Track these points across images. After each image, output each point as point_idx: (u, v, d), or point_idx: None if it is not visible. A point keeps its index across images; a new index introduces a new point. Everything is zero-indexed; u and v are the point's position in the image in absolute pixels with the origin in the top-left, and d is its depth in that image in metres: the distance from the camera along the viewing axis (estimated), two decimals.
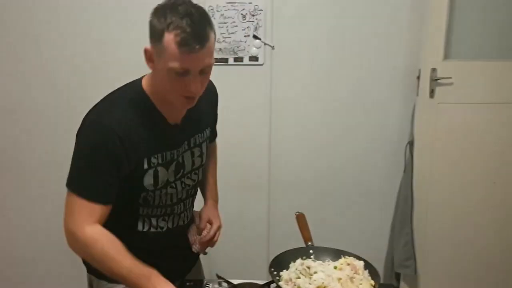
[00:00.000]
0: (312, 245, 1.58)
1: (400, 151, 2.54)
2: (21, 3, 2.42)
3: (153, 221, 1.43)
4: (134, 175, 1.30)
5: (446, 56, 2.40)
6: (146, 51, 1.24)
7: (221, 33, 2.43)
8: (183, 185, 1.45)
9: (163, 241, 1.47)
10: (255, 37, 2.44)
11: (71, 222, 1.26)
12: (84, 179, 1.27)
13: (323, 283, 1.34)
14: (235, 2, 2.40)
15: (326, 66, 2.50)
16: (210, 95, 1.52)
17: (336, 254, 1.53)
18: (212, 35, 1.20)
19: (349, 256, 1.50)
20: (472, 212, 2.54)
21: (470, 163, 2.49)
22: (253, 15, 2.42)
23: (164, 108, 1.34)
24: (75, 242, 1.26)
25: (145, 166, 1.31)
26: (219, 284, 1.54)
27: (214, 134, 1.71)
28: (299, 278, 1.38)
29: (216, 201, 1.69)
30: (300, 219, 1.70)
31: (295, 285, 1.36)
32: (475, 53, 2.47)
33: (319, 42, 2.48)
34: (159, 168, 1.34)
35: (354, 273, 1.40)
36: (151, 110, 1.33)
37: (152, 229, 1.43)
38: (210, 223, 1.59)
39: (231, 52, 2.45)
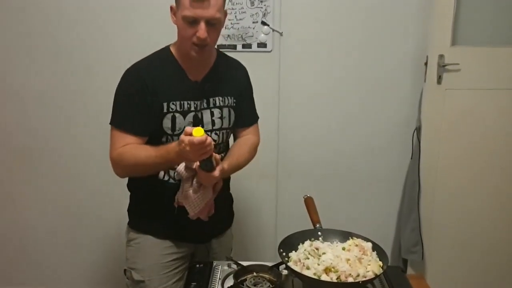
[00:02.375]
0: (321, 227, 1.60)
1: (408, 137, 2.55)
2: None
3: (171, 171, 1.60)
4: (156, 115, 1.54)
5: (454, 42, 2.40)
6: (171, 8, 1.55)
7: (229, 20, 2.44)
8: None
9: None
10: (263, 23, 2.45)
11: (111, 151, 1.56)
12: (118, 114, 1.57)
13: (331, 263, 1.36)
14: None
15: (334, 52, 2.51)
16: (237, 72, 1.74)
17: (344, 235, 1.56)
18: None
19: (357, 237, 1.53)
20: (479, 198, 2.56)
21: (477, 149, 2.51)
22: (261, 1, 2.42)
23: (185, 64, 1.59)
24: (115, 166, 1.56)
25: (164, 109, 1.55)
26: (228, 266, 1.57)
27: (249, 119, 1.79)
28: (307, 258, 1.41)
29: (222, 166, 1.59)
30: (309, 202, 1.73)
31: (304, 265, 1.38)
32: (483, 39, 2.47)
33: (328, 28, 2.48)
34: (176, 114, 1.56)
35: (362, 254, 1.42)
36: (174, 64, 1.59)
37: (171, 180, 1.61)
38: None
39: (240, 39, 2.46)
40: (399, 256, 2.66)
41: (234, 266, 1.56)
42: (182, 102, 1.57)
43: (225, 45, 2.46)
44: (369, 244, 1.48)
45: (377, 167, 2.64)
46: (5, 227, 2.70)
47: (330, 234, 1.58)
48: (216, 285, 1.46)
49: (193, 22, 1.46)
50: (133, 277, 1.67)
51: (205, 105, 1.62)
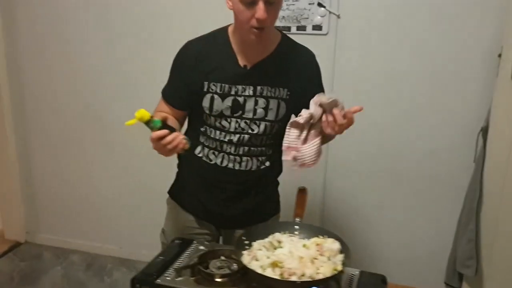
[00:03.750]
0: (300, 221, 1.53)
1: (473, 138, 2.26)
2: None
3: (206, 150, 1.64)
4: (196, 92, 1.56)
5: None
6: None
7: (285, 1, 2.38)
8: (237, 126, 1.57)
9: (211, 174, 1.65)
10: (319, 5, 2.35)
11: None
12: (167, 82, 1.67)
13: (279, 258, 1.31)
14: None
15: (396, 39, 2.31)
16: (301, 61, 1.62)
17: (320, 232, 1.47)
18: None
19: (329, 236, 1.43)
20: None
21: None
22: None
23: (238, 48, 1.55)
24: None
25: (205, 89, 1.55)
26: (206, 246, 1.59)
27: None
28: (260, 250, 1.36)
29: None
30: (301, 193, 1.65)
31: (254, 256, 1.35)
32: None
33: (391, 13, 2.28)
34: (215, 96, 1.55)
35: (319, 254, 1.34)
36: (226, 46, 1.56)
37: (204, 158, 1.65)
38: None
39: (294, 20, 2.40)
40: (455, 270, 2.40)
41: (203, 247, 1.57)
42: (223, 85, 1.55)
43: (279, 26, 2.41)
44: (335, 246, 1.38)
45: (436, 169, 2.39)
46: (79, 186, 3.05)
47: (307, 230, 1.50)
48: (182, 264, 1.48)
49: (251, 3, 1.40)
50: (160, 238, 1.81)
51: (250, 92, 1.55)
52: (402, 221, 2.51)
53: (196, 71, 1.56)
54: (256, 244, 1.40)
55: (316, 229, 1.50)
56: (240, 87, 1.55)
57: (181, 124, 1.69)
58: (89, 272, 2.94)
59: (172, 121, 1.53)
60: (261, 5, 1.38)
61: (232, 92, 1.55)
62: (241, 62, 1.56)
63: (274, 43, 1.60)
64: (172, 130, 1.40)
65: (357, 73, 2.40)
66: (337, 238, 1.42)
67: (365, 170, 2.50)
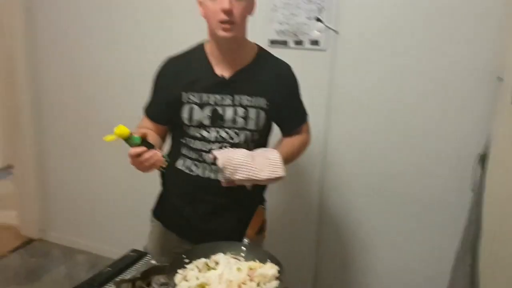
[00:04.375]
0: (248, 243, 1.48)
1: (470, 163, 2.12)
2: None
3: (188, 162, 1.63)
4: (175, 104, 1.58)
5: None
6: (198, 1, 1.54)
7: (283, 14, 2.35)
8: (217, 136, 1.57)
9: (193, 186, 1.64)
10: (317, 19, 2.29)
11: None
12: (148, 100, 1.70)
13: (206, 281, 1.27)
14: None
15: (396, 58, 2.21)
16: (276, 74, 1.64)
17: (264, 256, 1.41)
18: None
19: (271, 261, 1.38)
20: None
21: None
22: None
23: (215, 59, 1.58)
24: None
25: (183, 99, 1.57)
26: (158, 261, 1.57)
27: (297, 121, 1.73)
28: (192, 270, 1.33)
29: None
30: (258, 214, 1.60)
31: (185, 276, 1.32)
32: None
33: (389, 31, 2.20)
34: (194, 106, 1.57)
35: (250, 280, 1.29)
36: (202, 58, 1.60)
37: (186, 170, 1.63)
38: None
39: (292, 35, 2.36)
40: None
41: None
42: (201, 94, 1.57)
43: (277, 40, 2.38)
44: (271, 272, 1.32)
45: (433, 193, 2.27)
46: (90, 188, 3.13)
47: (253, 252, 1.45)
48: (125, 276, 1.48)
49: None
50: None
51: (229, 101, 1.57)
52: (400, 245, 2.40)
53: (175, 84, 1.58)
54: (191, 264, 1.37)
55: (262, 252, 1.44)
56: (218, 97, 1.56)
57: (163, 139, 1.69)
58: (90, 273, 2.99)
59: (152, 137, 1.52)
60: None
61: (211, 102, 1.56)
62: (218, 72, 1.58)
63: (250, 54, 1.62)
64: (151, 147, 1.40)
65: (354, 90, 2.33)
66: (277, 264, 1.36)
67: (361, 191, 2.42)
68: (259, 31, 2.39)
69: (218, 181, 1.54)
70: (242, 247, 1.47)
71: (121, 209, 3.04)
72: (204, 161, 1.60)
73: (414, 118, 2.23)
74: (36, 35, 3.02)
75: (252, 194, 1.62)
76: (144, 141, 1.39)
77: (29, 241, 3.35)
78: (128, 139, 1.35)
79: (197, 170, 1.62)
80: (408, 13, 2.15)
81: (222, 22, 1.46)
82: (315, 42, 2.32)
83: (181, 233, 1.71)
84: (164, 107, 1.62)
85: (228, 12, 1.44)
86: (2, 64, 3.21)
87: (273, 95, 1.60)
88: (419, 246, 2.36)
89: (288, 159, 1.61)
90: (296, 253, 2.61)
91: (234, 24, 1.47)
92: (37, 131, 3.20)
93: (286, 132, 1.72)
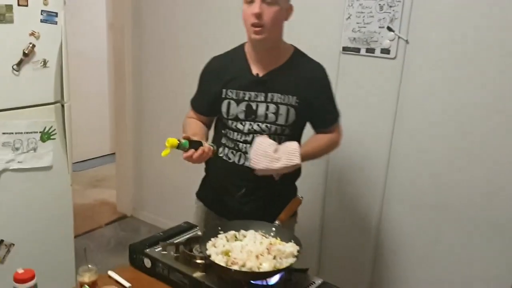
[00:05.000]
0: (279, 224, 1.63)
1: None
2: None
3: (226, 150, 1.80)
4: (217, 98, 1.76)
5: None
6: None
7: (357, 23, 2.45)
8: (250, 128, 1.73)
9: (230, 172, 1.81)
10: (389, 28, 2.36)
11: None
12: (194, 94, 1.91)
13: (229, 248, 1.45)
14: None
15: (467, 68, 2.19)
16: (312, 73, 1.75)
17: (292, 239, 1.55)
18: None
19: (293, 242, 1.51)
20: None
21: None
22: (390, 6, 2.34)
23: (252, 59, 1.75)
24: None
25: (223, 95, 1.75)
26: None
27: (327, 121, 1.81)
28: (221, 239, 1.52)
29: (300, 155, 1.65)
30: (294, 202, 1.73)
31: (214, 243, 1.51)
32: None
33: (462, 41, 2.18)
34: (231, 101, 1.74)
35: (267, 253, 1.43)
36: (241, 58, 1.77)
37: (225, 157, 1.81)
38: None
39: (364, 43, 2.45)
40: None
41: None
42: (238, 91, 1.73)
43: (349, 47, 2.49)
44: (289, 249, 1.46)
45: (506, 213, 2.19)
46: (176, 174, 3.44)
47: (282, 233, 1.59)
48: (173, 241, 1.70)
49: (251, 1, 1.60)
50: None
51: (262, 98, 1.71)
52: (457, 260, 2.34)
53: (217, 81, 1.77)
54: (222, 235, 1.55)
55: (288, 233, 1.57)
56: (253, 94, 1.72)
57: (209, 127, 1.91)
58: None
59: (195, 128, 1.78)
60: (256, 2, 1.58)
61: (246, 98, 1.72)
62: (254, 71, 1.73)
63: (285, 55, 1.75)
64: (198, 144, 1.59)
65: (422, 100, 2.34)
66: (298, 245, 1.49)
67: (424, 202, 2.40)
68: (332, 38, 2.53)
69: (250, 168, 1.68)
70: (273, 228, 1.61)
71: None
72: (239, 150, 1.76)
73: (485, 128, 2.17)
74: (142, 34, 3.42)
75: (282, 181, 1.74)
76: (192, 142, 1.57)
77: (123, 217, 3.78)
78: (178, 147, 1.54)
79: (234, 158, 1.78)
80: (479, 24, 2.13)
81: (253, 25, 1.61)
82: (385, 50, 2.39)
83: (220, 213, 1.90)
84: (206, 100, 1.82)
85: (258, 16, 1.58)
86: (113, 60, 3.69)
87: (304, 94, 1.71)
88: (482, 266, 2.29)
89: (313, 153, 1.74)
90: (353, 258, 2.67)
91: (264, 27, 1.60)
92: (136, 123, 3.60)
93: (317, 130, 1.82)
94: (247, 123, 1.74)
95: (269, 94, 1.71)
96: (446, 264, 2.39)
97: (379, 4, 2.37)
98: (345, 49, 2.51)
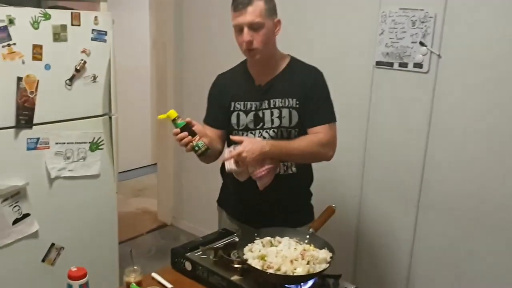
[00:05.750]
0: (313, 232, 1.70)
1: None
2: None
3: None
4: (226, 112, 1.88)
5: None
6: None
7: (390, 38, 2.51)
8: (261, 137, 1.83)
9: (243, 182, 1.83)
10: (421, 43, 2.42)
11: None
12: (206, 112, 2.00)
13: (265, 253, 1.54)
14: (407, 9, 2.44)
15: (501, 84, 2.21)
16: (304, 76, 1.85)
17: (326, 246, 1.62)
18: (256, 1, 1.71)
19: (326, 249, 1.59)
20: None
21: None
22: (422, 22, 2.40)
23: (253, 71, 1.89)
24: None
25: (231, 108, 1.88)
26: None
27: (316, 119, 1.83)
28: (257, 244, 1.61)
29: (267, 143, 1.74)
30: (328, 211, 1.81)
31: (250, 248, 1.60)
32: None
33: (493, 56, 2.22)
34: (240, 113, 1.87)
35: (301, 259, 1.52)
36: (245, 72, 1.91)
37: None
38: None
39: (397, 57, 2.51)
40: None
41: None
42: (245, 103, 1.86)
43: (383, 62, 2.56)
44: (322, 255, 1.53)
45: None
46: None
47: (315, 240, 1.66)
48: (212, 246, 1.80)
49: (240, 30, 1.74)
50: None
51: (266, 105, 1.83)
52: (496, 271, 2.34)
53: (225, 95, 1.90)
54: (258, 240, 1.64)
55: (322, 241, 1.64)
56: (258, 103, 1.84)
57: (223, 141, 1.95)
58: None
59: (208, 132, 1.86)
60: (245, 30, 1.71)
61: (253, 108, 1.85)
62: (257, 82, 1.87)
63: (283, 64, 1.87)
64: (192, 133, 1.69)
65: (455, 113, 2.37)
66: (331, 251, 1.56)
67: (459, 214, 2.41)
68: (366, 53, 2.60)
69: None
70: (306, 235, 1.69)
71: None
72: None
73: None
74: (184, 50, 3.58)
75: (296, 185, 1.87)
76: (187, 127, 1.68)
77: (163, 226, 3.93)
78: (173, 121, 1.68)
79: None
80: (510, 38, 2.16)
81: (246, 50, 1.75)
82: (418, 65, 2.44)
83: (241, 219, 2.00)
84: (217, 114, 1.93)
85: (248, 43, 1.72)
86: (156, 75, 3.86)
87: (301, 96, 1.81)
88: None
89: (287, 146, 1.76)
90: (388, 267, 2.70)
91: (256, 50, 1.74)
92: None
93: (308, 127, 1.83)
94: (257, 132, 1.85)
95: (271, 100, 1.83)
96: (483, 278, 2.39)
97: (411, 20, 2.43)
98: (379, 63, 2.57)
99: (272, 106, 1.83)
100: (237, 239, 1.86)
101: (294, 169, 1.88)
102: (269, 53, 1.82)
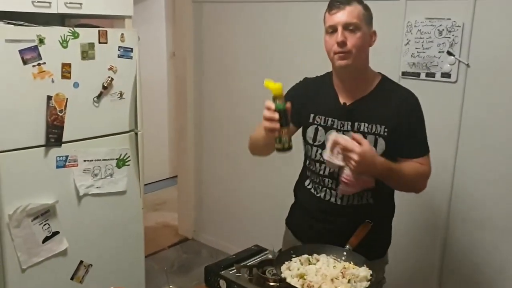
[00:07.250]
0: (350, 249, 1.67)
1: None
2: None
3: (312, 183, 1.80)
4: (303, 122, 1.75)
5: None
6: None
7: (416, 48, 2.49)
8: None
9: (316, 205, 1.79)
10: (449, 53, 2.39)
11: None
12: None
13: (304, 272, 1.51)
14: (433, 18, 2.42)
15: None
16: (398, 102, 1.67)
17: (364, 263, 1.59)
18: (355, 4, 1.59)
19: (366, 266, 1.56)
20: None
21: None
22: (449, 31, 2.38)
23: (338, 87, 1.72)
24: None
25: (310, 120, 1.74)
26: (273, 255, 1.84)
27: (411, 151, 1.69)
28: (295, 262, 1.58)
29: (379, 158, 1.58)
30: (364, 227, 1.77)
31: (288, 266, 1.58)
32: None
33: None
34: (319, 127, 1.72)
35: (342, 277, 1.49)
36: (329, 85, 1.75)
37: (312, 190, 1.80)
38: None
39: (424, 67, 2.48)
40: None
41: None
42: (326, 118, 1.70)
43: (409, 72, 2.53)
44: (363, 273, 1.51)
45: None
46: (236, 197, 3.55)
47: (352, 257, 1.63)
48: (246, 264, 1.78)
49: (332, 31, 1.59)
50: None
51: (349, 127, 1.66)
52: None
53: (305, 102, 1.75)
54: (295, 258, 1.61)
55: (360, 258, 1.61)
56: (339, 122, 1.68)
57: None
58: None
59: None
60: (339, 30, 1.56)
61: (335, 126, 1.69)
62: (341, 100, 1.70)
63: (373, 83, 1.70)
64: (284, 122, 1.50)
65: (485, 123, 2.34)
66: (372, 269, 1.53)
67: (490, 225, 2.39)
68: (391, 63, 2.58)
69: (338, 205, 1.71)
70: (344, 252, 1.66)
71: (262, 217, 3.38)
72: (325, 186, 1.74)
73: None
74: (203, 63, 3.58)
75: (374, 217, 1.72)
76: (284, 111, 1.49)
77: (184, 240, 3.91)
78: (274, 98, 1.50)
79: (320, 193, 1.76)
80: None
81: (337, 53, 1.59)
82: (446, 75, 2.42)
83: (304, 241, 1.87)
84: (294, 112, 1.60)
85: (341, 44, 1.56)
86: (175, 88, 3.87)
87: (393, 123, 1.63)
88: None
89: (398, 170, 1.62)
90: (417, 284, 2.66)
91: (348, 53, 1.57)
92: (197, 148, 3.75)
93: (404, 157, 1.69)
94: None
95: (356, 124, 1.66)
96: None
97: (438, 30, 2.41)
98: (405, 73, 2.55)
99: (356, 129, 1.66)
100: (270, 256, 1.85)
101: (371, 200, 1.74)
102: (361, 64, 1.65)
